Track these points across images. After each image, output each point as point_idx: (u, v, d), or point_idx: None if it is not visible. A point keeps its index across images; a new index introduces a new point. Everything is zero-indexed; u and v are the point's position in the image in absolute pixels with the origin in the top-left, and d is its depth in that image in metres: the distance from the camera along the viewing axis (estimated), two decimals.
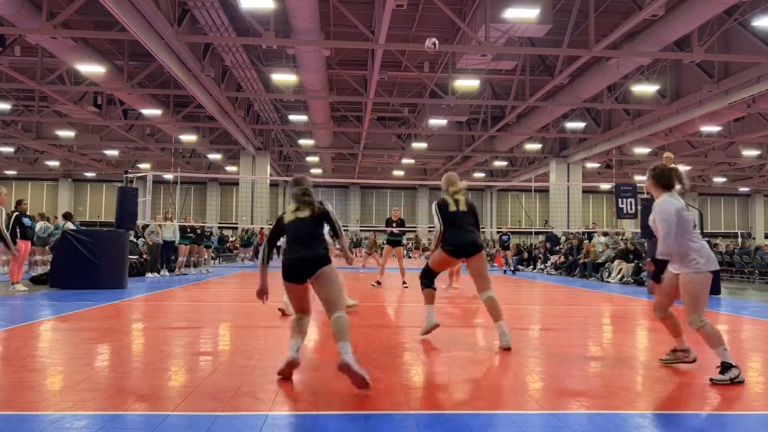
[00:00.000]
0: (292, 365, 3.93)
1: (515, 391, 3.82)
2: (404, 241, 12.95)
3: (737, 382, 3.93)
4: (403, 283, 12.02)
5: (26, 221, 10.87)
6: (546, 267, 21.57)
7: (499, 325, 5.26)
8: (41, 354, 4.84)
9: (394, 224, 12.33)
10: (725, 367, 3.98)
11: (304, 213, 4.15)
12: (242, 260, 26.98)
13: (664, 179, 4.39)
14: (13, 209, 11.00)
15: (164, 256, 15.49)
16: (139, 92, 20.32)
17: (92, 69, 16.99)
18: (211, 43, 17.05)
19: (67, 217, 13.97)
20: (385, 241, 13.05)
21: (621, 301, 10.38)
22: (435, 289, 5.86)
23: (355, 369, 3.55)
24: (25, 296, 9.41)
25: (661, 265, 4.23)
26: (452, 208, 5.59)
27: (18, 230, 10.56)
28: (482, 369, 4.48)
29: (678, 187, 4.39)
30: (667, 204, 4.17)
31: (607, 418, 3.24)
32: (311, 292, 4.12)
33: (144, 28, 13.19)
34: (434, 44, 9.37)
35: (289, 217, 4.16)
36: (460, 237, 5.46)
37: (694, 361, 4.50)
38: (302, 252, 4.01)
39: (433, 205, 5.75)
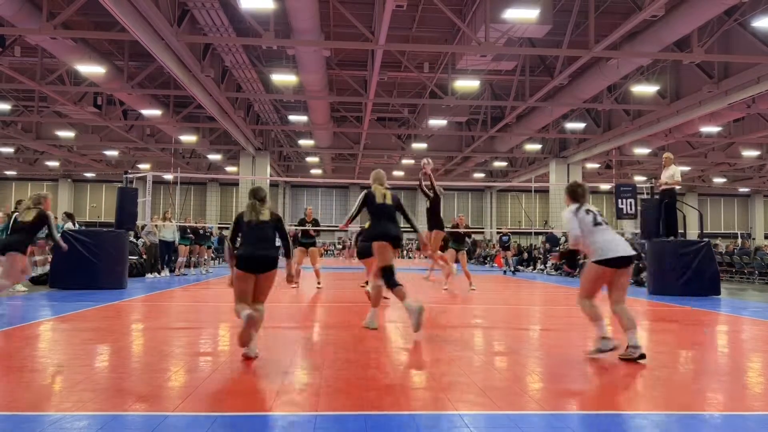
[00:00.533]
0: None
1: (515, 391, 3.82)
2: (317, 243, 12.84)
3: (609, 349, 4.82)
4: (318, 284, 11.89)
5: None
6: (546, 268, 21.58)
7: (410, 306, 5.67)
8: (41, 354, 4.84)
9: (309, 224, 12.04)
10: (603, 340, 4.87)
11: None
12: None
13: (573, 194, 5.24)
14: (13, 210, 11.00)
15: (164, 256, 15.49)
16: (139, 93, 20.32)
17: (92, 69, 16.98)
18: (211, 44, 17.04)
19: (70, 216, 13.98)
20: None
21: None
22: (402, 285, 6.06)
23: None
24: (25, 296, 9.41)
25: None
26: (379, 200, 5.97)
27: None
28: (482, 369, 4.48)
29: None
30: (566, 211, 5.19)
31: (607, 418, 3.24)
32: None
33: (144, 29, 13.19)
34: (427, 163, 9.68)
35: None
36: (386, 227, 5.94)
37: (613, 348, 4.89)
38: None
39: (362, 194, 6.11)
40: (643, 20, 12.85)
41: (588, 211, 5.07)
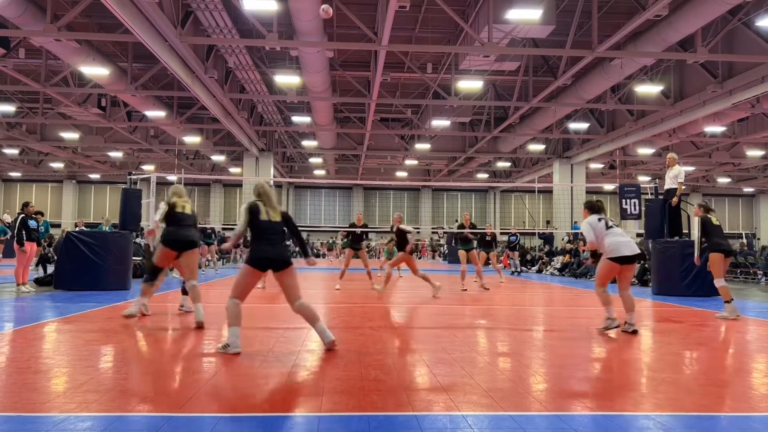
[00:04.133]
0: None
1: (519, 392, 3.81)
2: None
3: (614, 327, 6.32)
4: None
5: (32, 223, 10.89)
6: (549, 268, 21.54)
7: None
8: (46, 355, 4.86)
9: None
10: (608, 320, 6.34)
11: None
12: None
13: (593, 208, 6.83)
14: (19, 211, 11.04)
15: None
16: (143, 94, 20.38)
17: (96, 71, 17.04)
18: (214, 45, 17.08)
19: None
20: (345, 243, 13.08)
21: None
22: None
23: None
24: (31, 297, 9.45)
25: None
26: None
27: (24, 232, 10.60)
28: (486, 370, 4.47)
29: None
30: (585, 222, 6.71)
31: (612, 419, 3.23)
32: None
33: (147, 31, 13.23)
34: (325, 10, 9.39)
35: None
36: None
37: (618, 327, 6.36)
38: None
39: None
40: (647, 20, 12.83)
41: (600, 219, 6.55)
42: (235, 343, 4.93)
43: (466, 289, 12.00)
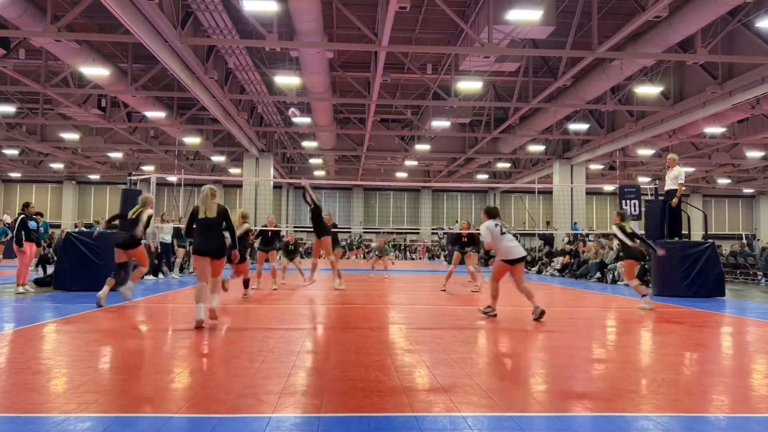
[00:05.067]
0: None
1: (519, 393, 3.81)
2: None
3: (492, 314, 7.72)
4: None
5: (32, 224, 10.89)
6: (549, 269, 21.54)
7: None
8: (46, 356, 4.86)
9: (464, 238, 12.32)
10: (488, 308, 7.79)
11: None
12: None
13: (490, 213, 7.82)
14: (19, 212, 11.04)
15: (168, 257, 15.53)
16: (143, 95, 20.38)
17: (96, 72, 17.04)
18: (214, 46, 17.08)
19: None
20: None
21: (625, 303, 10.35)
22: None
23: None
24: (31, 298, 9.45)
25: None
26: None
27: (23, 233, 10.60)
28: (485, 371, 4.47)
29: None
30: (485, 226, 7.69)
31: (611, 420, 3.23)
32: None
33: (148, 31, 13.23)
34: (293, 112, 10.28)
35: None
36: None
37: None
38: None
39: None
40: (647, 21, 12.83)
41: (497, 225, 7.57)
42: (199, 314, 6.29)
43: (444, 290, 11.93)
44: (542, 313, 7.29)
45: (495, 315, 7.65)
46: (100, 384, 3.85)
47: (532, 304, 7.42)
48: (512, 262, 7.51)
